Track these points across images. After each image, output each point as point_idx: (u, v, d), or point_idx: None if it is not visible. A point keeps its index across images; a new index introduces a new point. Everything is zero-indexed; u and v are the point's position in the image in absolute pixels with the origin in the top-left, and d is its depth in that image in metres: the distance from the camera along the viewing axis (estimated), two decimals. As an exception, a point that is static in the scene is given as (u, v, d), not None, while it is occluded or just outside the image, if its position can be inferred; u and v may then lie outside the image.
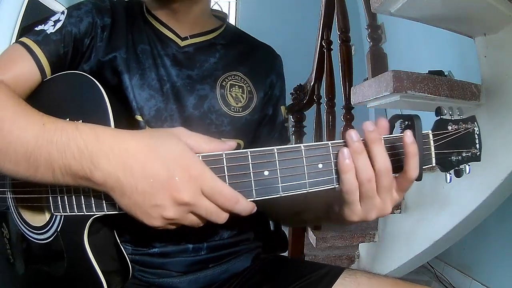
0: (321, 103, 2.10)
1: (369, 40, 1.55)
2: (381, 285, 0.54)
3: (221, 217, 0.41)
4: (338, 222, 0.50)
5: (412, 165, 0.42)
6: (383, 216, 0.45)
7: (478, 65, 1.19)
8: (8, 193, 0.58)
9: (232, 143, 0.42)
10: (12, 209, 0.58)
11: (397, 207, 1.48)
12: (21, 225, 0.57)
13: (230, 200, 0.39)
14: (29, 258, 0.58)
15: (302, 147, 0.42)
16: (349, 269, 0.59)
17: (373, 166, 0.41)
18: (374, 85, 1.16)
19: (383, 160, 0.41)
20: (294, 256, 1.56)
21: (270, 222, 0.83)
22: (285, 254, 0.87)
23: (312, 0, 2.66)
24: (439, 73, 1.28)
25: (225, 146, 0.42)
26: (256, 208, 0.42)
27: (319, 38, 2.02)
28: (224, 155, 0.41)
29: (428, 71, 1.30)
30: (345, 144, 0.42)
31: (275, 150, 0.41)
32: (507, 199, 1.22)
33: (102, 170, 0.38)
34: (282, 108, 0.72)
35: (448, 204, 1.26)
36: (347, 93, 1.61)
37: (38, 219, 0.55)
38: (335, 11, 1.78)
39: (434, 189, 1.32)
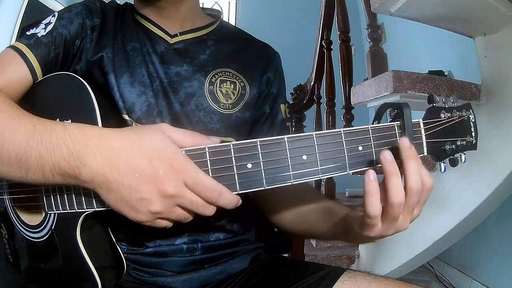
0: (321, 103, 2.10)
1: (369, 40, 1.55)
2: None
3: (208, 210, 0.41)
4: (354, 241, 0.51)
5: (425, 175, 0.42)
6: (400, 230, 0.45)
7: (478, 65, 1.19)
8: (5, 194, 0.59)
9: (216, 139, 0.43)
10: (9, 209, 0.59)
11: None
12: (18, 224, 0.58)
13: (213, 191, 0.40)
14: (27, 257, 0.59)
15: (285, 139, 0.41)
16: (350, 270, 0.58)
17: (405, 183, 0.41)
18: (374, 85, 1.16)
19: (417, 179, 0.41)
20: (294, 257, 1.56)
21: None
22: (286, 254, 0.87)
23: (312, 0, 2.66)
24: (439, 73, 1.28)
25: (207, 141, 0.42)
26: (241, 201, 0.42)
27: (319, 38, 2.02)
28: (207, 148, 0.41)
29: (428, 71, 1.31)
30: (326, 132, 0.42)
31: (258, 143, 0.41)
32: (507, 199, 1.22)
33: (90, 168, 0.39)
34: (282, 106, 0.71)
35: (448, 204, 1.26)
36: (347, 93, 1.61)
37: (34, 219, 0.55)
38: (335, 11, 1.78)
39: (434, 189, 1.31)
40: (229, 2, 3.87)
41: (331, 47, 1.93)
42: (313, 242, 1.63)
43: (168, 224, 0.43)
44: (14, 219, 0.58)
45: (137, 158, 0.39)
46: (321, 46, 1.99)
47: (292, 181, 0.41)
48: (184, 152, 0.41)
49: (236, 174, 0.41)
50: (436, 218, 1.31)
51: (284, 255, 0.82)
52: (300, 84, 2.27)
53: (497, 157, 1.06)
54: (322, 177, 0.43)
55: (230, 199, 0.41)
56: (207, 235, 0.63)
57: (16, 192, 0.56)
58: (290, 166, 0.41)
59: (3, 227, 0.61)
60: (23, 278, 0.60)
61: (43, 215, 0.54)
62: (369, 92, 1.20)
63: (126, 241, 0.61)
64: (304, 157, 0.41)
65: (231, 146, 0.41)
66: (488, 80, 1.15)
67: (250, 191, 0.41)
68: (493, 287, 1.69)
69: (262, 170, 0.41)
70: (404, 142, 0.41)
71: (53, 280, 0.55)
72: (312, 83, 2.11)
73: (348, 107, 1.63)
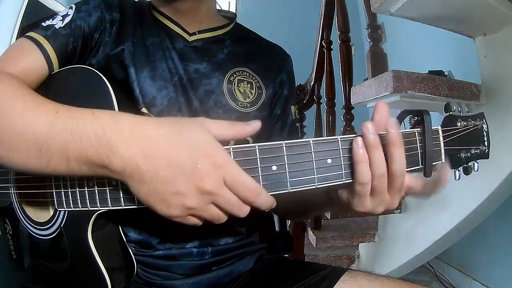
0: (321, 103, 2.11)
1: (369, 40, 1.55)
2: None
3: (243, 210, 0.39)
4: (343, 210, 0.51)
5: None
6: (390, 209, 0.46)
7: (478, 65, 1.19)
8: (12, 188, 0.57)
9: (256, 124, 0.41)
10: (15, 204, 0.57)
11: (397, 207, 1.48)
12: (24, 221, 0.56)
13: (252, 191, 0.38)
14: (32, 254, 0.57)
15: (311, 142, 0.41)
16: (351, 270, 0.58)
17: (390, 166, 0.41)
18: (374, 85, 1.16)
19: (401, 162, 0.41)
20: (294, 257, 1.56)
21: (275, 222, 0.83)
22: (286, 254, 0.87)
23: (312, 0, 2.66)
24: (439, 73, 1.29)
25: (248, 129, 0.40)
26: (276, 203, 0.41)
27: (319, 38, 2.02)
28: (231, 149, 0.40)
29: (428, 71, 1.31)
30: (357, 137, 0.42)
31: (284, 145, 0.40)
32: (507, 199, 1.22)
33: (121, 157, 0.37)
34: (292, 108, 0.72)
35: (448, 204, 1.26)
36: (347, 93, 1.61)
37: (41, 215, 0.54)
38: (335, 11, 1.78)
39: (434, 189, 1.32)
40: (229, 1, 3.87)
41: (331, 47, 1.93)
42: (313, 242, 1.63)
43: (198, 222, 0.40)
44: (19, 214, 0.57)
45: (176, 150, 0.37)
46: (321, 46, 1.99)
47: (316, 184, 0.41)
48: None
49: (260, 176, 0.40)
50: (436, 218, 1.31)
51: (285, 255, 0.82)
52: (300, 84, 2.27)
53: (497, 157, 1.06)
54: (346, 182, 0.42)
55: (267, 199, 0.39)
56: (217, 239, 0.63)
57: (23, 186, 0.54)
58: (314, 169, 0.41)
59: (8, 223, 0.60)
60: (26, 277, 0.58)
61: (52, 211, 0.52)
62: (369, 92, 1.20)
63: (136, 242, 0.60)
64: (329, 160, 0.41)
65: (257, 147, 0.40)
66: (488, 80, 1.15)
67: (274, 193, 0.40)
68: (493, 287, 1.69)
69: (287, 173, 0.40)
70: (392, 125, 0.41)
71: (58, 280, 0.54)
72: (312, 83, 2.11)
73: (348, 107, 1.63)
